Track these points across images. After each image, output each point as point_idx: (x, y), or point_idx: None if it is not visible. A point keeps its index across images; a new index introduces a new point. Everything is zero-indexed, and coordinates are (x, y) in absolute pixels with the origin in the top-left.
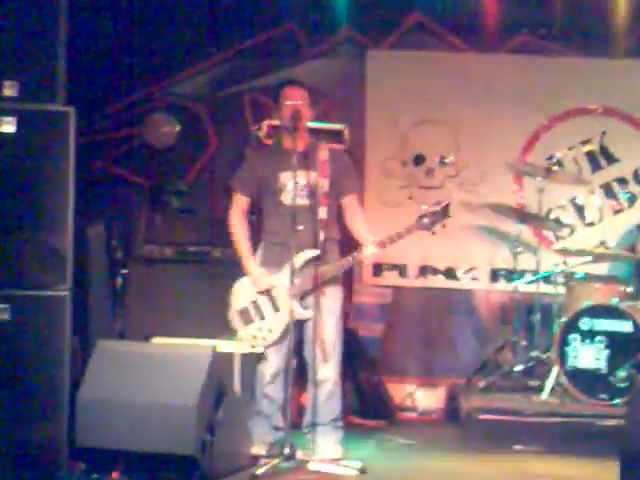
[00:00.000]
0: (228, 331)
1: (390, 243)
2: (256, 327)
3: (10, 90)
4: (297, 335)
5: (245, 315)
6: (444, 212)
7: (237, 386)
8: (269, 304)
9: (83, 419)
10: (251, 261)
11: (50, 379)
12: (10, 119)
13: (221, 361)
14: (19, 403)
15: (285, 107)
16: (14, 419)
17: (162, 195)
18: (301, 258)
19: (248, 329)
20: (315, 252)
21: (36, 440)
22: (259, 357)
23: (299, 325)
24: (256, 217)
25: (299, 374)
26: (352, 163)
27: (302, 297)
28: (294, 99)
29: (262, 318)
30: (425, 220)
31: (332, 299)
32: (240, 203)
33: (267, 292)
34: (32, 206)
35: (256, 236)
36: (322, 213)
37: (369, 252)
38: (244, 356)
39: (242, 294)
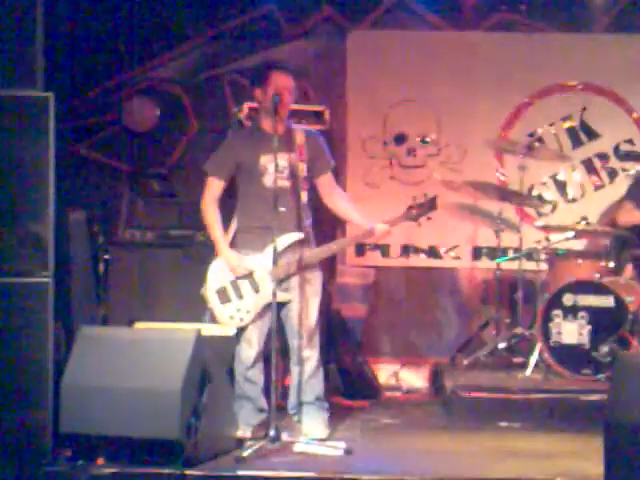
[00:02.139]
0: (203, 314)
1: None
2: (234, 307)
3: None
4: (278, 316)
5: (223, 294)
6: (431, 205)
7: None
8: (249, 285)
9: (67, 405)
10: (226, 247)
11: (33, 366)
12: None
13: (206, 344)
14: (3, 390)
15: (270, 91)
16: None
17: (143, 179)
18: (285, 241)
19: (225, 308)
20: (299, 235)
21: (20, 427)
22: (239, 339)
23: (279, 306)
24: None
25: (282, 356)
26: (325, 143)
27: (283, 279)
28: (280, 85)
29: (240, 298)
30: (413, 212)
31: (314, 281)
32: (215, 187)
33: (248, 273)
34: (12, 193)
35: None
36: (304, 197)
37: (380, 228)
38: (220, 338)
39: (220, 273)
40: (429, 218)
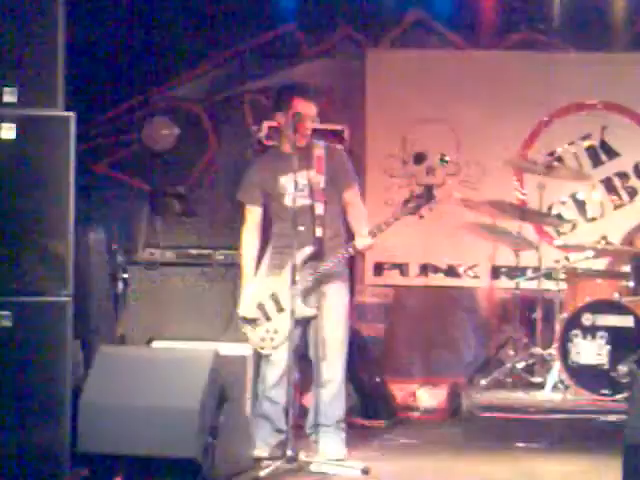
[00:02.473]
0: (232, 333)
1: (380, 231)
2: (264, 329)
3: (10, 96)
4: (301, 335)
5: (252, 319)
6: (429, 194)
7: (247, 389)
8: (273, 306)
9: (85, 424)
10: (246, 281)
11: (52, 385)
12: (10, 125)
13: (223, 364)
14: (21, 409)
15: (292, 115)
16: (16, 425)
17: (163, 198)
18: (300, 256)
19: (256, 332)
20: (310, 249)
21: (38, 446)
22: (265, 359)
23: (303, 325)
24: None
25: (301, 375)
26: (348, 158)
27: (305, 295)
28: (302, 112)
29: (268, 319)
30: (410, 204)
31: (336, 297)
32: (252, 215)
33: (271, 294)
34: (33, 212)
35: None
36: (318, 209)
37: (360, 243)
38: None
39: (248, 299)
40: (431, 209)
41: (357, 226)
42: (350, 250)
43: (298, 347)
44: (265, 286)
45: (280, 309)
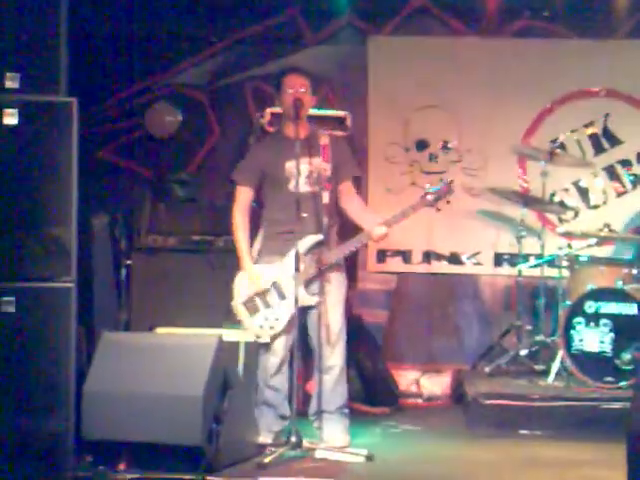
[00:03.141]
0: (232, 320)
1: (396, 222)
2: (263, 316)
3: (12, 82)
4: (301, 322)
5: (250, 305)
6: (448, 188)
7: (240, 375)
8: (275, 292)
9: (89, 411)
10: (248, 261)
11: (56, 371)
12: (13, 111)
13: (226, 350)
14: (25, 396)
15: (287, 95)
16: (20, 412)
17: (165, 185)
18: (305, 244)
19: (254, 319)
20: (318, 237)
21: (42, 433)
22: (264, 347)
23: (303, 312)
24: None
25: (304, 361)
26: (350, 149)
27: (307, 283)
28: (296, 87)
29: (268, 307)
30: (429, 197)
31: (337, 285)
32: (244, 196)
33: (273, 282)
34: (36, 198)
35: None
36: (325, 198)
37: (379, 232)
38: (247, 345)
39: (246, 285)
40: (448, 202)
41: (364, 215)
42: (366, 239)
43: (300, 334)
44: (265, 273)
45: (282, 296)
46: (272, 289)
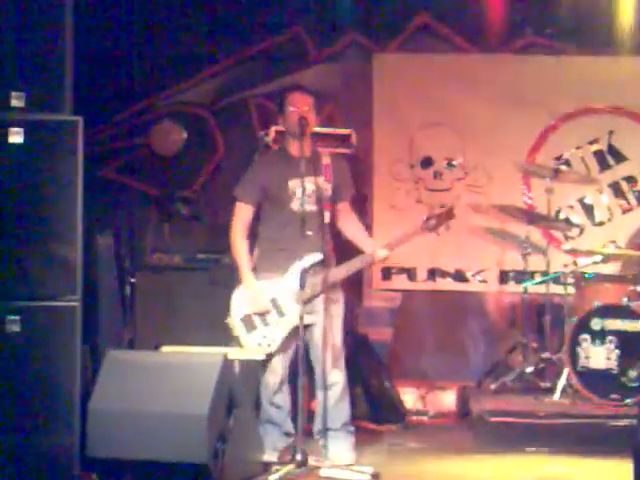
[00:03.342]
0: (229, 338)
1: (397, 245)
2: (260, 334)
3: (18, 101)
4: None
5: (248, 322)
6: (449, 214)
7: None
8: (274, 310)
9: (94, 429)
10: (250, 278)
11: (61, 389)
12: (18, 130)
13: (232, 369)
14: (30, 414)
15: (290, 113)
16: (25, 430)
17: (170, 203)
18: (307, 262)
19: (252, 336)
20: (319, 256)
21: (47, 451)
22: (264, 365)
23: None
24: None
25: (307, 380)
26: (349, 168)
27: (306, 301)
28: (299, 105)
29: (266, 324)
30: (431, 222)
31: (337, 303)
32: (244, 213)
33: (271, 299)
34: (41, 216)
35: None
36: (327, 217)
37: (382, 255)
38: (247, 363)
39: (244, 301)
40: (448, 227)
41: (362, 235)
42: (366, 261)
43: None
44: (265, 290)
45: (281, 314)
46: (271, 306)
